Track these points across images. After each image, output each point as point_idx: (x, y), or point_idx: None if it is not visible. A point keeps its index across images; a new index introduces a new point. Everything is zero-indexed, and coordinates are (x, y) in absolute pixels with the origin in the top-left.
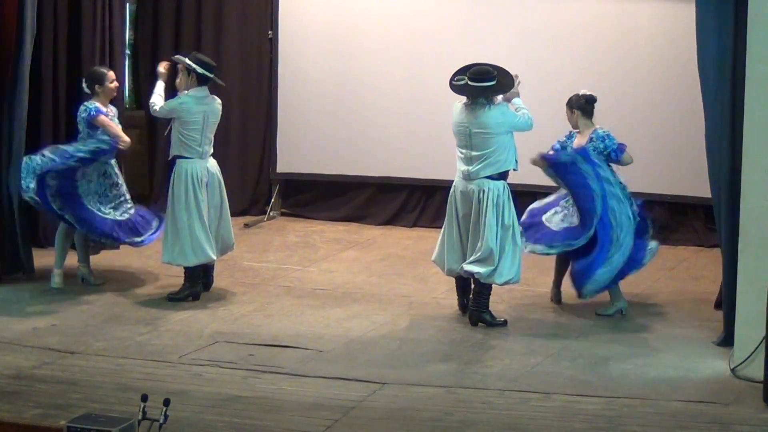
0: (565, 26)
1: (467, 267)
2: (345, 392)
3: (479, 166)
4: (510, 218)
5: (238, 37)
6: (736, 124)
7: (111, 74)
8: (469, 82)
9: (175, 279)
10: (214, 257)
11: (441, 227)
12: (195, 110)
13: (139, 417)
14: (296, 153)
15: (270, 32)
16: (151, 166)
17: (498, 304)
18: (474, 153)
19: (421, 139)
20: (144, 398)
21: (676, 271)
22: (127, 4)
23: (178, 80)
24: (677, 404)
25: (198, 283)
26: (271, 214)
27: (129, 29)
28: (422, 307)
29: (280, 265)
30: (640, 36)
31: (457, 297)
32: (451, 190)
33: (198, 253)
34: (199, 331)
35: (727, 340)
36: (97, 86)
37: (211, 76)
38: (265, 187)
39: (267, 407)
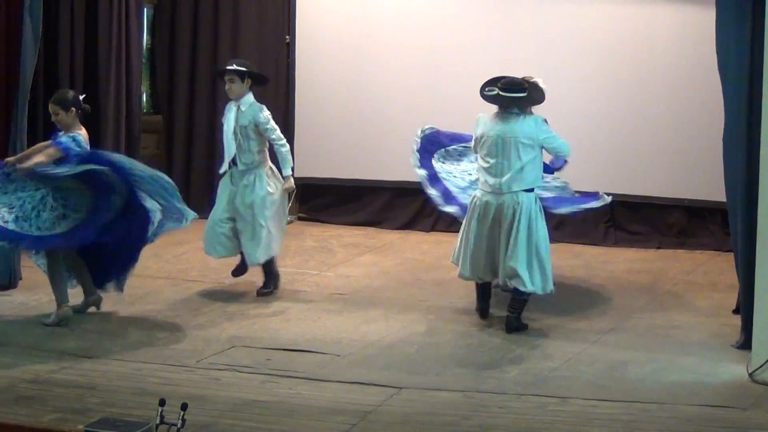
0: (582, 32)
1: (510, 282)
2: (362, 397)
3: (510, 178)
4: (543, 230)
5: (255, 41)
6: (753, 127)
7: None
8: (501, 93)
9: (191, 283)
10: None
11: (458, 231)
12: None
13: (157, 421)
14: (313, 157)
15: (287, 37)
16: (168, 170)
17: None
18: (505, 163)
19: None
20: (162, 403)
21: (693, 276)
22: (145, 9)
23: (231, 88)
24: (695, 409)
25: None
26: (288, 218)
27: (146, 34)
28: (439, 312)
29: (297, 270)
30: (658, 40)
31: (476, 301)
32: (474, 200)
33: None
34: (217, 335)
35: (746, 344)
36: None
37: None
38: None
39: (284, 412)
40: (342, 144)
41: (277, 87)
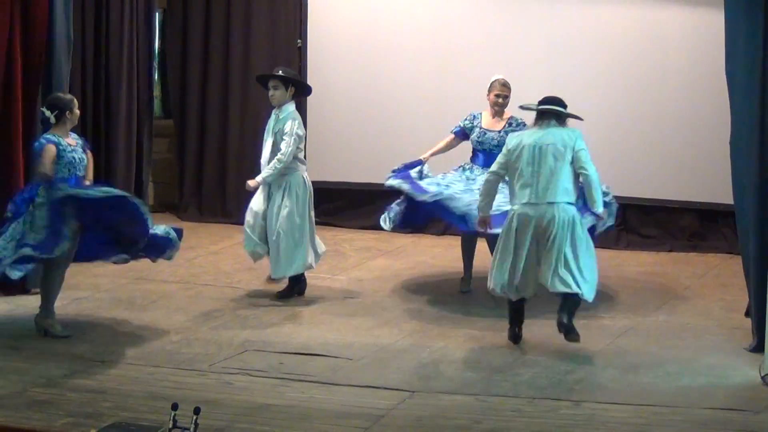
0: (592, 34)
1: (558, 287)
2: (375, 401)
3: (551, 187)
4: (586, 238)
5: (266, 45)
6: (765, 128)
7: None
8: (543, 105)
9: (204, 287)
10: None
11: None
12: None
13: (170, 426)
14: (325, 161)
15: (299, 40)
16: (181, 175)
17: (526, 311)
18: (545, 173)
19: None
20: (174, 407)
21: (705, 279)
22: (156, 13)
23: (274, 95)
24: (707, 412)
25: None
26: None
27: (157, 38)
28: (452, 315)
29: (309, 273)
30: (669, 43)
31: (509, 327)
32: (511, 215)
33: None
34: (230, 339)
35: (758, 347)
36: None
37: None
38: None
39: (297, 415)
40: (354, 148)
41: None
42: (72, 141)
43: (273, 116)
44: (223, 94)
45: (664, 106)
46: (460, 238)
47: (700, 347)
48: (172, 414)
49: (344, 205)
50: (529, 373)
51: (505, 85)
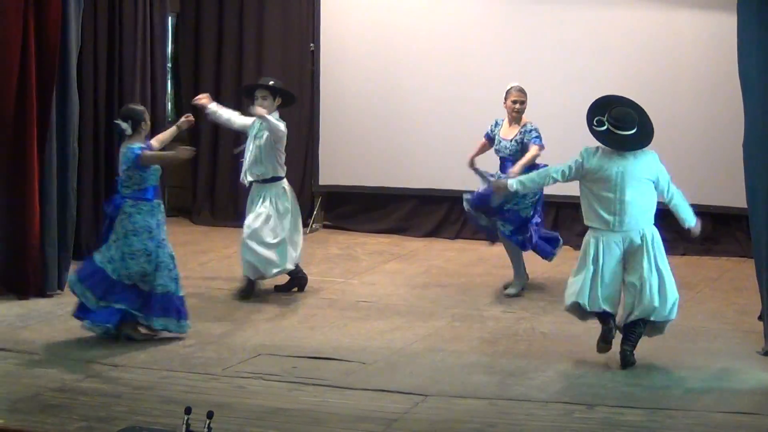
0: (604, 38)
1: (644, 315)
2: (388, 404)
3: (632, 214)
4: (665, 259)
5: (279, 49)
6: None
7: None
8: (612, 129)
9: (217, 292)
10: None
11: (484, 239)
12: None
13: (183, 429)
14: (338, 165)
15: (312, 45)
16: (194, 179)
17: (540, 316)
18: (625, 199)
19: (463, 150)
20: (187, 411)
21: (719, 282)
22: (169, 17)
23: (263, 104)
24: (720, 416)
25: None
26: (313, 226)
27: (170, 42)
28: (465, 319)
29: (322, 278)
30: (682, 46)
31: (602, 335)
32: (591, 238)
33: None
34: (243, 343)
35: None
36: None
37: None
38: (308, 200)
39: (310, 419)
40: (367, 152)
41: (301, 95)
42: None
43: (257, 123)
44: (236, 97)
45: (677, 110)
46: (474, 242)
47: (713, 351)
48: (186, 418)
49: (357, 208)
50: (542, 377)
51: (521, 91)
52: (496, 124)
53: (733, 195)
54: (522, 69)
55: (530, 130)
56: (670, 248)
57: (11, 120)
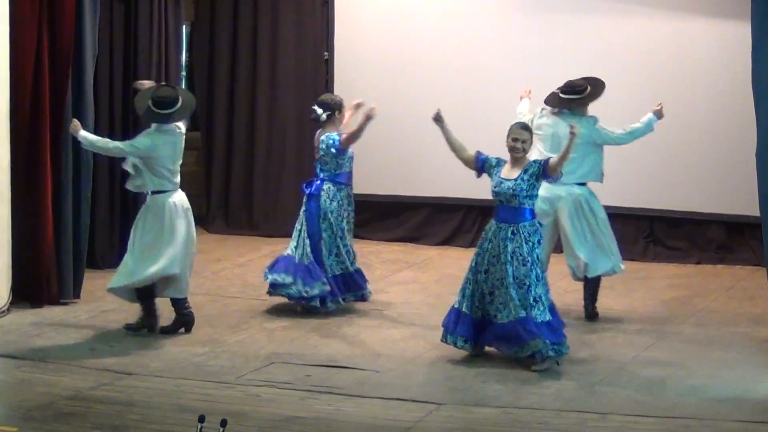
0: (620, 47)
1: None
2: (401, 413)
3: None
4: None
5: (293, 57)
6: None
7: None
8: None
9: (230, 300)
10: None
11: None
12: None
13: None
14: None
15: (326, 53)
16: (208, 187)
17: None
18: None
19: None
20: (201, 419)
21: (733, 291)
22: (183, 25)
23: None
24: (734, 424)
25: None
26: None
27: (184, 50)
28: None
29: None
30: (696, 56)
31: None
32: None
33: None
34: (256, 352)
35: None
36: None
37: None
38: None
39: (324, 428)
40: (381, 160)
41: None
42: None
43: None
44: (250, 107)
45: (690, 119)
46: None
47: (727, 360)
48: (199, 426)
49: (371, 217)
50: (556, 386)
51: (525, 128)
52: (499, 162)
53: (747, 203)
54: (537, 79)
55: (534, 163)
56: (684, 257)
57: (26, 129)
